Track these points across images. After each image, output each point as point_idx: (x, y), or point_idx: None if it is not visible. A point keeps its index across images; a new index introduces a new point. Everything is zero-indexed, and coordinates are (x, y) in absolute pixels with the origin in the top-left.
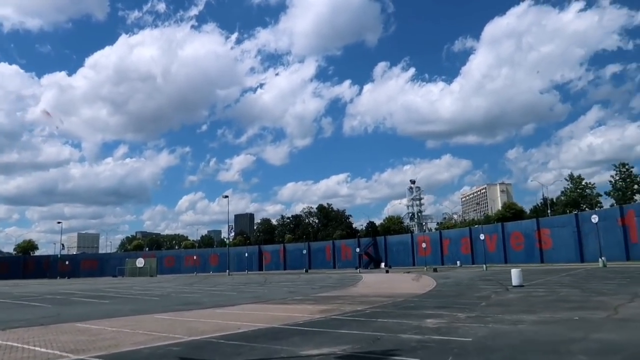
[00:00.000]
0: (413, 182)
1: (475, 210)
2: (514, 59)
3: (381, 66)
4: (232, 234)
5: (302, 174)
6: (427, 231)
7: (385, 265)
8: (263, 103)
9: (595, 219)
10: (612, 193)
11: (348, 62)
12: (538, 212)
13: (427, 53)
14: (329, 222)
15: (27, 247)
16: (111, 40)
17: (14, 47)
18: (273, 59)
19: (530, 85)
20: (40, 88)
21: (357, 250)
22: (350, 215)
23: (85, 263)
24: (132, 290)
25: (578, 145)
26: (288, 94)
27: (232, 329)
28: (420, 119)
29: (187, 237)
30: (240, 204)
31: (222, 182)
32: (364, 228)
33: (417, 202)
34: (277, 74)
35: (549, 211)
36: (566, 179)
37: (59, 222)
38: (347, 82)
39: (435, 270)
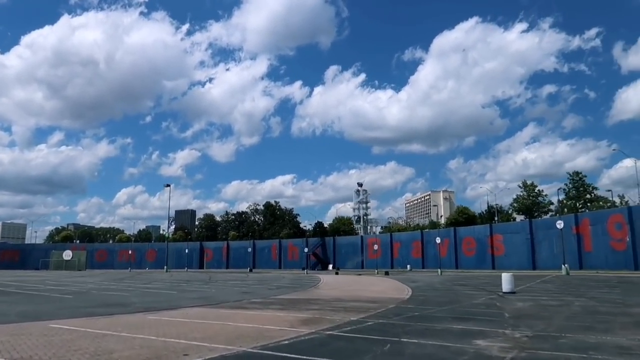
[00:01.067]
0: (360, 185)
1: (419, 216)
2: (460, 72)
3: (333, 69)
4: (173, 227)
5: (247, 172)
6: (372, 234)
7: (334, 267)
8: (211, 98)
9: (560, 224)
10: (564, 201)
11: (300, 63)
12: (483, 218)
13: (378, 60)
14: (276, 220)
15: None
16: (52, 20)
17: None
18: (224, 54)
19: (473, 99)
20: None
21: (306, 250)
22: (298, 215)
23: (5, 254)
24: (43, 284)
25: (514, 159)
26: (238, 90)
27: (174, 355)
28: (368, 125)
29: (123, 230)
30: (182, 200)
31: (164, 176)
32: (311, 229)
33: (364, 205)
34: (227, 70)
35: (496, 218)
36: (519, 186)
37: None
38: (298, 83)
39: (387, 273)
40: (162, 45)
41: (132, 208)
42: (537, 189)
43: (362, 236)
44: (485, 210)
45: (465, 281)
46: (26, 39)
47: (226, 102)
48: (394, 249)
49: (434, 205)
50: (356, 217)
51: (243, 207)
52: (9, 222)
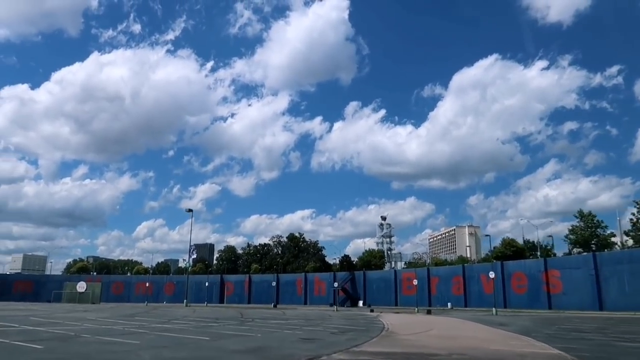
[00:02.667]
0: (384, 218)
1: (443, 251)
2: (479, 108)
3: (353, 105)
4: (194, 256)
5: (266, 207)
6: (402, 268)
7: (364, 304)
8: (232, 133)
9: None
10: (630, 233)
11: (321, 98)
12: (537, 251)
13: (398, 96)
14: (300, 253)
15: None
16: (82, 57)
17: None
18: (246, 90)
19: (493, 135)
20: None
21: (335, 285)
22: (323, 247)
23: (18, 284)
24: (23, 321)
25: (535, 196)
26: (259, 125)
27: None
28: (387, 160)
29: (141, 263)
30: (201, 234)
31: (184, 210)
32: (337, 262)
33: (388, 239)
34: (249, 105)
35: (554, 251)
36: (575, 216)
37: None
38: (319, 119)
39: (429, 312)
40: (186, 81)
41: (151, 241)
42: (595, 219)
43: (395, 270)
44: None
45: (569, 324)
46: (56, 75)
47: (247, 137)
48: (432, 285)
49: (467, 245)
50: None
51: (262, 241)
52: (30, 254)
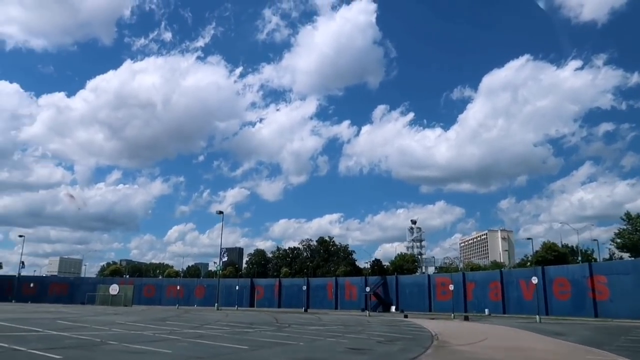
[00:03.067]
0: (414, 222)
1: (475, 256)
2: (510, 110)
3: (381, 109)
4: (225, 258)
5: (295, 211)
6: (433, 272)
7: (397, 309)
8: (261, 138)
9: None
10: None
11: (348, 102)
12: (578, 255)
13: (426, 99)
14: (330, 257)
15: None
16: (115, 65)
17: (16, 65)
18: (275, 95)
19: (524, 137)
20: (38, 108)
21: (367, 289)
22: (353, 251)
23: (54, 287)
24: (48, 325)
25: (569, 200)
26: (287, 130)
27: None
28: (416, 164)
29: (172, 266)
30: (231, 238)
31: (214, 214)
32: (368, 266)
33: (418, 243)
34: (277, 110)
35: (599, 255)
36: (622, 219)
37: (20, 236)
38: (346, 123)
39: (466, 318)
40: (216, 87)
41: (182, 245)
42: None
43: (429, 275)
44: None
45: (635, 335)
46: (91, 84)
47: (275, 142)
48: (468, 291)
49: (505, 250)
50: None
51: (291, 245)
52: (66, 257)
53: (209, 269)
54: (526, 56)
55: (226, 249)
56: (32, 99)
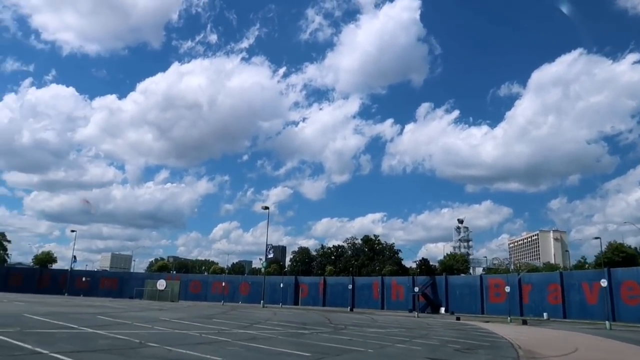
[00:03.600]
0: (461, 221)
1: (525, 257)
2: (561, 107)
3: (425, 107)
4: (271, 255)
5: (337, 210)
6: (478, 272)
7: (447, 311)
8: (304, 137)
9: None
10: None
11: (392, 101)
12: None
13: (472, 96)
14: (375, 256)
15: (45, 260)
16: (163, 67)
17: (71, 70)
18: (317, 94)
19: (577, 134)
20: (92, 110)
21: (416, 289)
22: (399, 251)
23: (105, 281)
24: (88, 321)
25: (626, 200)
26: (329, 129)
27: None
28: (461, 163)
29: (217, 263)
30: (274, 236)
31: (258, 212)
32: (414, 266)
33: (465, 243)
34: (320, 109)
35: None
36: None
37: (73, 231)
38: (390, 121)
39: (525, 322)
40: (260, 87)
41: (226, 243)
42: None
43: (481, 276)
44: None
45: None
46: (141, 86)
47: (318, 141)
48: (524, 293)
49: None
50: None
51: (333, 244)
52: (117, 253)
53: (253, 266)
54: (579, 50)
55: (271, 245)
56: (87, 101)
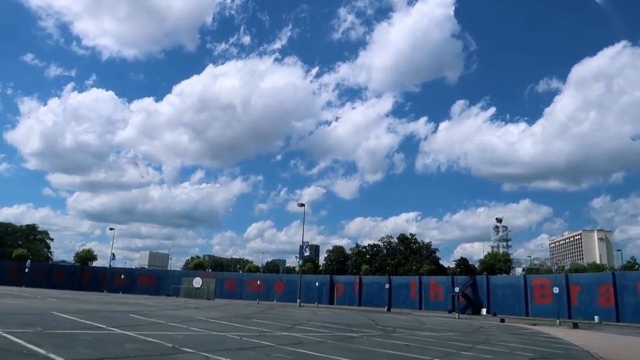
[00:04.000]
0: (499, 220)
1: (567, 257)
2: (603, 102)
3: (459, 104)
4: (307, 253)
5: (371, 209)
6: (518, 272)
7: (488, 312)
8: (337, 136)
9: None
10: None
11: (426, 98)
12: None
13: (509, 92)
14: (412, 255)
15: (86, 257)
16: (198, 70)
17: (110, 74)
18: (350, 93)
19: (620, 130)
20: (130, 113)
21: (456, 290)
22: (437, 250)
23: (142, 279)
24: (117, 318)
25: None
26: (362, 128)
27: None
28: (497, 161)
29: (251, 261)
30: (307, 235)
31: (291, 212)
32: (452, 265)
33: (504, 243)
34: (353, 108)
35: None
36: None
37: (111, 229)
38: (423, 119)
39: (576, 326)
40: (293, 88)
41: (260, 242)
42: None
43: (525, 276)
44: None
45: None
46: (177, 88)
47: (351, 140)
48: (572, 294)
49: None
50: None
51: (368, 243)
52: (155, 251)
53: (287, 265)
54: (622, 42)
55: (308, 242)
56: (125, 104)
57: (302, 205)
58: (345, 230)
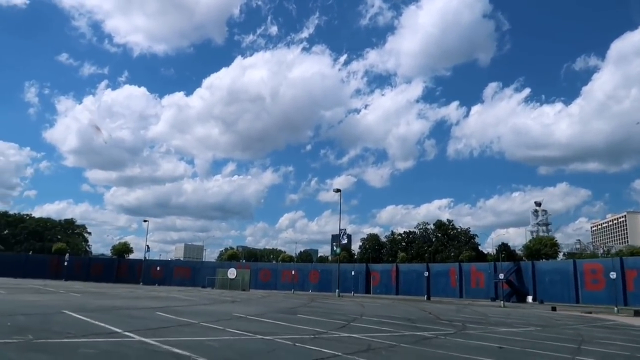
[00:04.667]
0: (539, 204)
1: (612, 241)
2: None
3: (492, 87)
4: (345, 240)
5: (402, 197)
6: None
7: (534, 299)
8: (366, 124)
9: None
10: None
11: (457, 82)
12: None
13: (544, 72)
14: (450, 241)
15: (122, 250)
16: (227, 62)
17: (142, 70)
18: (379, 80)
19: None
20: (162, 108)
21: (501, 276)
22: (476, 235)
23: (178, 270)
24: (129, 324)
25: None
26: (392, 115)
27: None
28: (532, 144)
29: (285, 252)
30: (338, 225)
31: (322, 202)
32: (492, 252)
33: (544, 227)
34: (382, 95)
35: None
36: None
37: (145, 221)
38: (455, 104)
39: (638, 313)
40: (321, 77)
41: (292, 232)
42: None
43: (574, 261)
44: None
45: None
46: (206, 82)
47: (381, 127)
48: (628, 280)
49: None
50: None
51: (403, 230)
52: (189, 243)
53: (319, 255)
54: None
55: (345, 230)
56: (157, 100)
57: (338, 190)
58: (376, 218)
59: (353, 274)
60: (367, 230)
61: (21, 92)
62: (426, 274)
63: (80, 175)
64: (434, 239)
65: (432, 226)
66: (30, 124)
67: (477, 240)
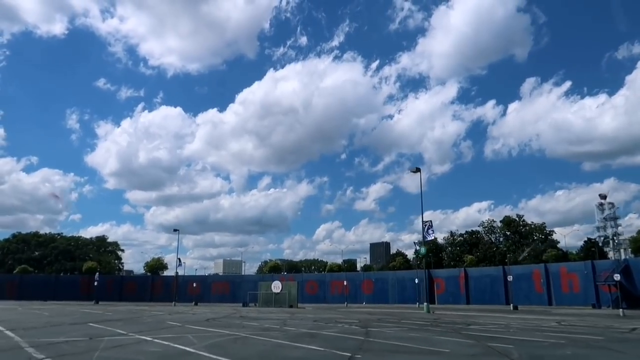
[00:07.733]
0: (604, 197)
1: None
2: None
3: (530, 82)
4: (431, 237)
5: (440, 201)
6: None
7: None
8: (400, 129)
9: None
10: None
11: (493, 80)
12: None
13: (585, 64)
14: (522, 239)
15: (156, 267)
16: (259, 76)
17: (177, 90)
18: (412, 84)
19: None
20: (197, 126)
21: (617, 277)
22: (553, 231)
23: (217, 286)
24: None
25: None
26: (426, 118)
27: None
28: (575, 139)
29: (326, 262)
30: (376, 233)
31: (358, 210)
32: (574, 251)
33: (612, 222)
34: (416, 99)
35: None
36: None
37: (175, 230)
38: (491, 103)
39: None
40: (352, 84)
41: (330, 243)
42: None
43: None
44: None
45: None
46: (239, 97)
47: (415, 132)
48: None
49: None
50: (603, 238)
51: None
52: (228, 259)
53: (359, 264)
54: None
55: (431, 222)
56: (191, 118)
57: (418, 170)
58: (414, 225)
59: (416, 281)
60: (406, 237)
61: (63, 119)
62: (510, 278)
63: (121, 196)
64: (501, 238)
65: (499, 223)
66: (73, 150)
67: (554, 236)
